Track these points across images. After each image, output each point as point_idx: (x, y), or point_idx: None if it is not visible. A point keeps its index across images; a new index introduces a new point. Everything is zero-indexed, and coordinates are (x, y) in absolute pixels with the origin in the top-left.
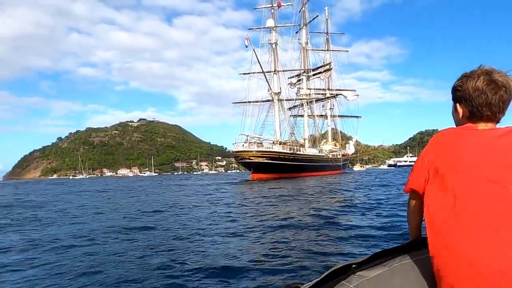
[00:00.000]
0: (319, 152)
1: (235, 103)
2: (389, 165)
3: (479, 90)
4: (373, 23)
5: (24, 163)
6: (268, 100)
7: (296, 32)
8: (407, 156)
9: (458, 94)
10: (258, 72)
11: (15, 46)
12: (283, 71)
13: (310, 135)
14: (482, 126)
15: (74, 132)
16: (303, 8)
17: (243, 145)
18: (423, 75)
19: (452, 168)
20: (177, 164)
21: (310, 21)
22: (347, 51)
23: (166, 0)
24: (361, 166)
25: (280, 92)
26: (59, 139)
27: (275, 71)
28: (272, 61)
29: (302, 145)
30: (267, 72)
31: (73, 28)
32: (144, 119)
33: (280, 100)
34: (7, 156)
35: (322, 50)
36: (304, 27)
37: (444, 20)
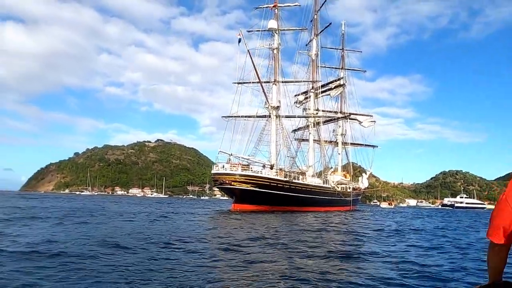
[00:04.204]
0: (324, 183)
1: (225, 117)
2: (443, 205)
3: None
4: (398, 59)
5: (39, 176)
6: (265, 116)
7: (306, 45)
8: (460, 197)
9: None
10: (253, 82)
11: (48, 63)
12: (285, 82)
13: (316, 163)
14: None
15: (92, 148)
16: (315, 16)
17: (223, 167)
18: (447, 115)
19: None
20: (189, 188)
21: (322, 30)
22: (365, 71)
23: (194, 26)
24: (388, 203)
25: (280, 106)
26: (76, 154)
27: (275, 81)
28: (272, 69)
29: (303, 173)
30: (265, 82)
31: (104, 49)
32: (161, 140)
33: (279, 117)
34: (30, 169)
35: (335, 68)
36: (315, 38)
37: (471, 62)
